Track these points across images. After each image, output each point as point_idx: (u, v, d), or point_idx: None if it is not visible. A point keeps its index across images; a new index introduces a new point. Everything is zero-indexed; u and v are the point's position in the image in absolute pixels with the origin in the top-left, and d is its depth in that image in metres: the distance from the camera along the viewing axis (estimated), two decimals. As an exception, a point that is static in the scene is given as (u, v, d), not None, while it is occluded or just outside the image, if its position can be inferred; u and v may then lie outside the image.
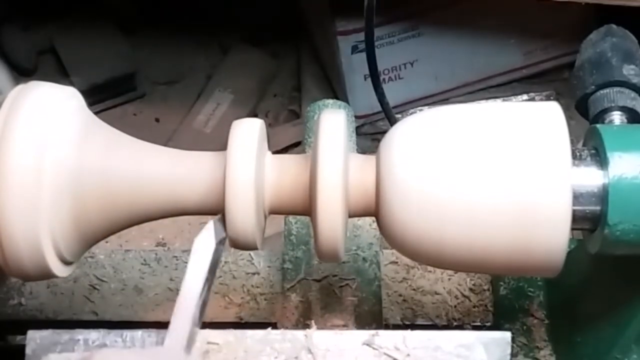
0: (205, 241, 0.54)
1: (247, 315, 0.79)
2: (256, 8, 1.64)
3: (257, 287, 0.80)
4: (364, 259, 0.76)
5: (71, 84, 0.99)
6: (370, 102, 1.13)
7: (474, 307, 0.79)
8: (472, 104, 0.60)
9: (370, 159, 0.55)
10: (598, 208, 0.53)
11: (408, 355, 0.60)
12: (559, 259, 0.52)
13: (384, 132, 0.56)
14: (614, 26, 0.70)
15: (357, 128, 1.46)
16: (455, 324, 0.78)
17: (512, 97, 1.55)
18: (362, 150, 1.32)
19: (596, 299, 0.70)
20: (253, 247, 0.55)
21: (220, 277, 0.81)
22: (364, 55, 0.95)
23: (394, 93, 1.34)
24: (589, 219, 0.54)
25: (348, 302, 0.74)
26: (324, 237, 0.53)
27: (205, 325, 0.76)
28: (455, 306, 0.79)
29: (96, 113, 0.57)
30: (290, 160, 0.56)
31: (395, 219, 0.53)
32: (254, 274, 0.81)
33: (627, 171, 0.53)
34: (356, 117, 1.40)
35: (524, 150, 0.51)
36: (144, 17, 1.67)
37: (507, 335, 0.61)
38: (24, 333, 0.64)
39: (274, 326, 0.76)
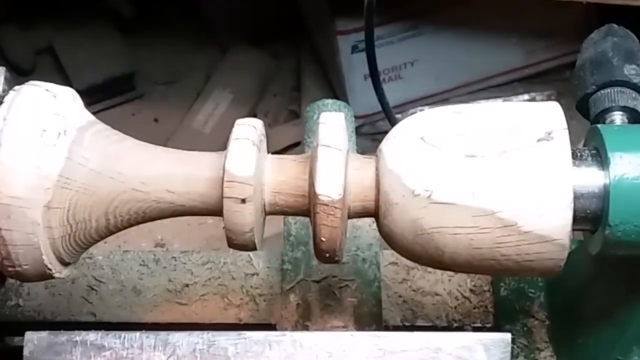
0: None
1: (246, 317, 0.79)
2: (256, 8, 1.63)
3: (257, 288, 0.80)
4: (364, 260, 0.76)
5: (69, 84, 0.99)
6: (370, 102, 1.12)
7: (475, 308, 0.79)
8: (472, 104, 0.59)
9: (369, 160, 0.55)
10: (599, 208, 0.53)
11: (408, 356, 0.60)
12: (561, 246, 0.52)
13: (384, 132, 0.56)
14: (615, 26, 0.70)
15: (357, 128, 1.45)
16: (455, 325, 0.78)
17: (513, 97, 1.55)
18: (362, 150, 1.32)
19: (597, 300, 0.70)
20: (252, 248, 0.55)
21: (219, 278, 0.80)
22: (364, 55, 0.95)
23: (394, 93, 1.34)
24: (590, 220, 0.54)
25: (348, 303, 0.74)
26: (323, 238, 0.53)
27: (204, 326, 0.76)
28: (455, 307, 0.78)
29: (95, 113, 0.57)
30: (289, 160, 0.55)
31: (394, 220, 0.52)
32: (253, 274, 0.81)
33: (628, 171, 0.53)
34: (356, 117, 1.40)
35: (524, 150, 0.51)
36: (143, 17, 1.67)
37: (508, 336, 0.61)
38: (22, 334, 0.63)
39: (273, 327, 0.76)
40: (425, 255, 0.54)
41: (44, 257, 0.53)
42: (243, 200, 0.52)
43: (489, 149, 0.51)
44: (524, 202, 0.50)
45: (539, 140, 0.51)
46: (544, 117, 0.53)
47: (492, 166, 0.51)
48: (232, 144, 0.53)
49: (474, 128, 0.53)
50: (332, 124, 0.53)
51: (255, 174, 0.52)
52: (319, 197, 0.51)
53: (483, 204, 0.51)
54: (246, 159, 0.52)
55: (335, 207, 0.51)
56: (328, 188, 0.51)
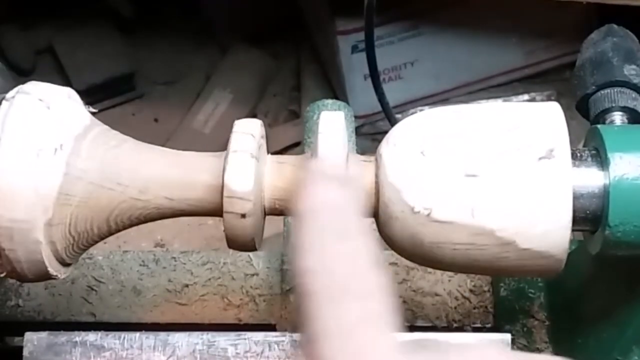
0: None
1: (246, 317, 0.79)
2: (256, 8, 1.63)
3: (256, 288, 0.80)
4: (364, 260, 0.76)
5: (69, 84, 0.98)
6: (370, 102, 1.12)
7: (474, 308, 0.79)
8: (472, 104, 0.59)
9: (369, 164, 0.55)
10: (599, 209, 0.53)
11: (408, 357, 0.59)
12: (559, 260, 0.52)
13: (384, 132, 0.56)
14: (614, 26, 0.70)
15: (357, 128, 1.45)
16: (455, 325, 0.78)
17: (513, 97, 1.55)
18: (362, 150, 1.31)
19: (597, 300, 0.70)
20: (252, 249, 0.55)
21: (219, 278, 0.80)
22: (364, 55, 0.95)
23: (394, 93, 1.34)
24: (590, 220, 0.54)
25: (347, 303, 0.73)
26: (322, 238, 0.53)
27: (204, 327, 0.76)
28: (455, 307, 0.78)
29: (94, 113, 0.56)
30: (288, 165, 0.55)
31: (394, 233, 0.52)
32: (253, 275, 0.81)
33: (628, 172, 0.53)
34: (356, 117, 1.40)
35: (525, 170, 0.51)
36: (143, 17, 1.67)
37: (507, 337, 0.61)
38: (22, 334, 0.63)
39: (273, 327, 0.76)
40: (424, 263, 0.54)
41: (49, 268, 0.53)
42: (243, 216, 0.52)
43: (489, 166, 0.51)
44: (523, 222, 0.50)
45: (540, 159, 0.51)
46: (545, 126, 0.52)
47: (492, 185, 0.51)
48: (230, 157, 0.52)
49: (473, 129, 0.53)
50: (330, 134, 0.53)
51: (255, 175, 0.52)
52: None
53: (482, 222, 0.51)
54: (245, 174, 0.52)
55: None
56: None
